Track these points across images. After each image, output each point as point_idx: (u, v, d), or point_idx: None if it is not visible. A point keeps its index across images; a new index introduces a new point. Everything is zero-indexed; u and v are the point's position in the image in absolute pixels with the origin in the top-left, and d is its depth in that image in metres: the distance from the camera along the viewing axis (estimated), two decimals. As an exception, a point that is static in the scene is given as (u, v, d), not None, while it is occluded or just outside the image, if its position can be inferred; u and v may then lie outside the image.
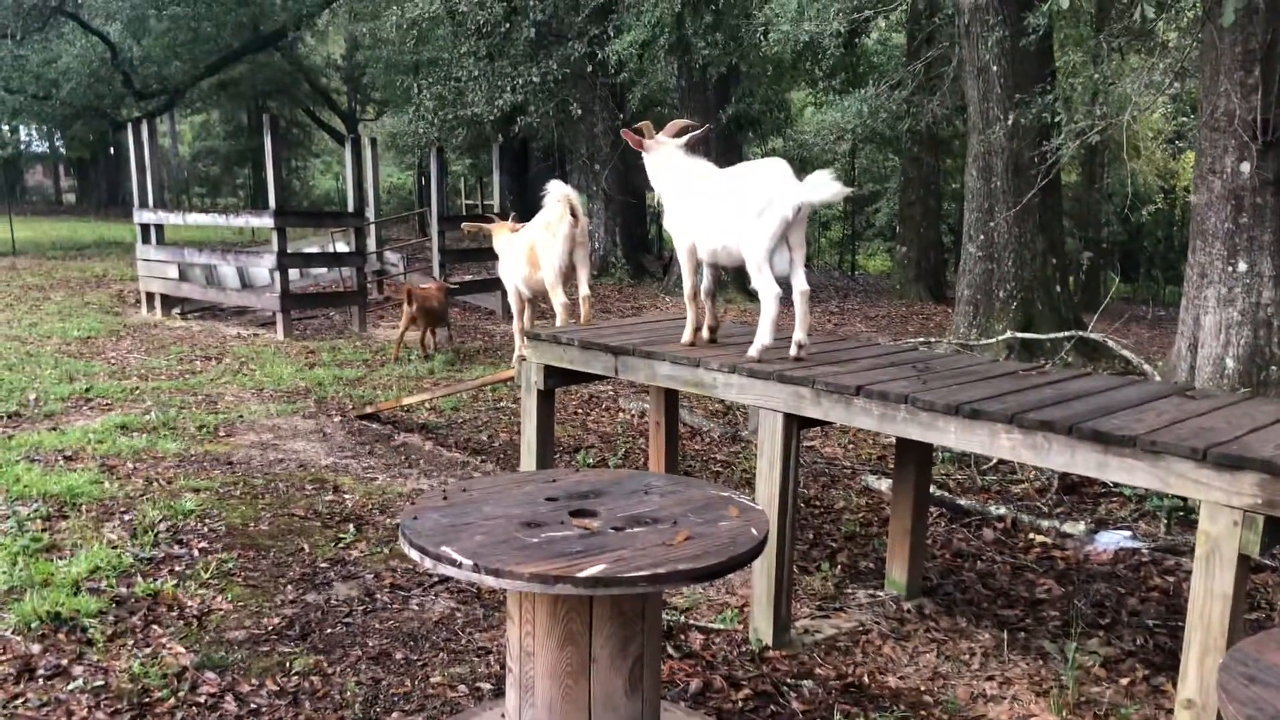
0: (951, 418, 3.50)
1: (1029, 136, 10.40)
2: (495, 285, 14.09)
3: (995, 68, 10.52)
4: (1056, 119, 9.43)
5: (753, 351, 4.25)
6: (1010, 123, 10.11)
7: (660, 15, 14.48)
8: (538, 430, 5.17)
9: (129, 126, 13.59)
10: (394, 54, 26.29)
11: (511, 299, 8.15)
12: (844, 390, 3.78)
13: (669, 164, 4.68)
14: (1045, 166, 9.68)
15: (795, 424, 4.01)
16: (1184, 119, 21.12)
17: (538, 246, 7.37)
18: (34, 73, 21.49)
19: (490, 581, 2.71)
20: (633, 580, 2.68)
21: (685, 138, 4.75)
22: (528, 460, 5.25)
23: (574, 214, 6.93)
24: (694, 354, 4.38)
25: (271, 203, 11.57)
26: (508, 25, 16.70)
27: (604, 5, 16.26)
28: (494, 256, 10.14)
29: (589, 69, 16.85)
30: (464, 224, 10.11)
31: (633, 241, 20.29)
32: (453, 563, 2.77)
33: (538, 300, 8.06)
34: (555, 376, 5.12)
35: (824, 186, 3.98)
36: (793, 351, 4.23)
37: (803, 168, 4.33)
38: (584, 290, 7.13)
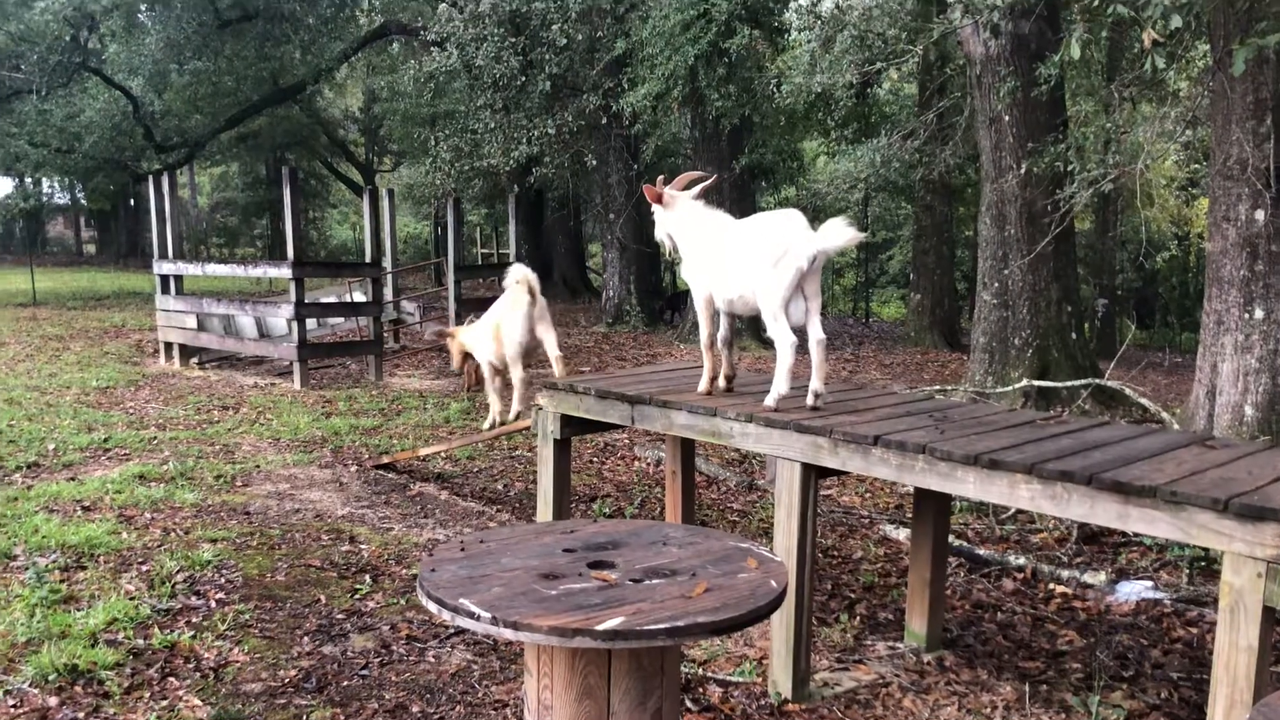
0: (970, 468, 3.49)
1: (1042, 185, 10.44)
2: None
3: (1007, 117, 10.59)
4: (1070, 167, 9.47)
5: (769, 400, 4.26)
6: (1023, 171, 10.16)
7: (674, 68, 14.65)
8: (554, 479, 5.17)
9: (150, 179, 13.78)
10: (411, 107, 26.69)
11: (486, 372, 8.46)
12: (861, 440, 3.77)
13: (686, 216, 4.72)
14: (1059, 215, 9.71)
15: (813, 473, 4.00)
16: (1196, 166, 21.18)
17: (501, 325, 7.90)
18: (57, 127, 21.84)
19: (508, 634, 2.70)
20: (651, 633, 2.67)
21: (697, 189, 4.80)
22: (544, 510, 5.25)
23: (532, 295, 7.55)
24: (711, 403, 4.38)
25: (290, 254, 11.68)
26: (523, 79, 16.92)
27: (618, 58, 16.46)
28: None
29: (604, 121, 17.03)
30: (427, 334, 10.59)
31: (647, 289, 20.37)
32: (471, 615, 2.76)
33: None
34: (572, 425, 5.13)
35: (839, 233, 4.04)
36: (810, 400, 4.24)
37: (816, 216, 4.37)
38: (555, 351, 7.71)
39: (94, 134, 22.27)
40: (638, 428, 4.75)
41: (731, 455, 8.72)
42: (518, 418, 7.90)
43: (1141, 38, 6.93)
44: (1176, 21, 6.59)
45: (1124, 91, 10.09)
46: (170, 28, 20.43)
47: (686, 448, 5.63)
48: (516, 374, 7.90)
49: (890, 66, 9.29)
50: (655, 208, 4.83)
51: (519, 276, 7.72)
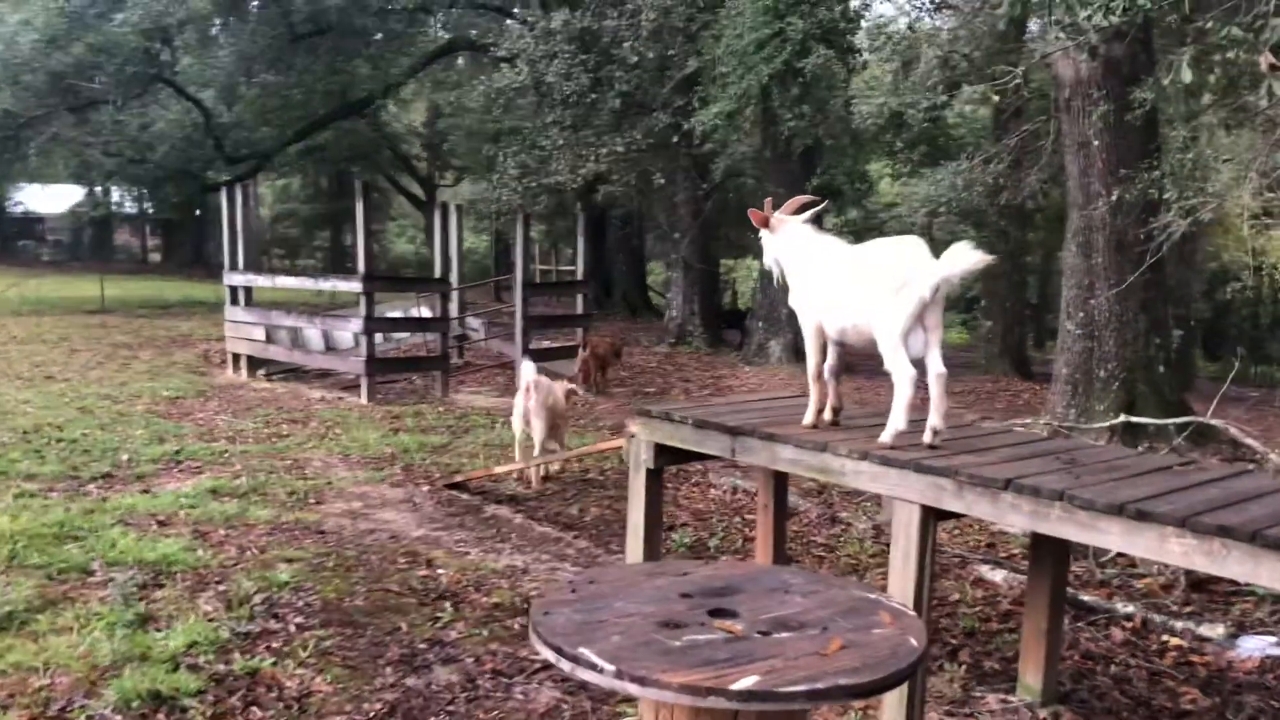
0: (1114, 518, 3.25)
1: (1132, 213, 10.10)
2: (575, 352, 14.04)
3: (1096, 142, 10.26)
4: (1165, 195, 9.13)
5: (885, 437, 4.05)
6: (1114, 199, 9.83)
7: (747, 87, 14.47)
8: (646, 511, 4.97)
9: (223, 190, 13.85)
10: (476, 122, 26.78)
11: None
12: (990, 483, 3.54)
13: (795, 241, 4.53)
14: (1154, 245, 9.36)
15: (932, 517, 3.78)
16: (1269, 194, 20.57)
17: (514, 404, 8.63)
18: (131, 137, 22.17)
19: (634, 690, 2.51)
20: (790, 695, 2.46)
21: (808, 214, 4.62)
22: (634, 542, 5.05)
23: (528, 390, 8.30)
24: (820, 438, 4.17)
25: (361, 268, 11.65)
26: (593, 96, 16.84)
27: (689, 77, 16.33)
28: (573, 323, 14.25)
29: (674, 139, 16.89)
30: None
31: (710, 310, 20.15)
32: (593, 667, 2.57)
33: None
34: (665, 455, 4.94)
35: (963, 258, 3.88)
36: (927, 438, 4.02)
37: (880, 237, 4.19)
38: (538, 436, 8.25)
39: (165, 144, 22.61)
40: (739, 461, 4.55)
41: (809, 485, 8.46)
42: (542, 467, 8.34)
43: (1257, 61, 6.63)
44: (1297, 45, 6.30)
45: (1220, 116, 9.73)
46: (244, 41, 20.67)
47: (779, 480, 5.40)
48: (517, 433, 8.49)
49: (988, 89, 8.98)
50: (763, 233, 4.66)
51: (526, 376, 8.55)
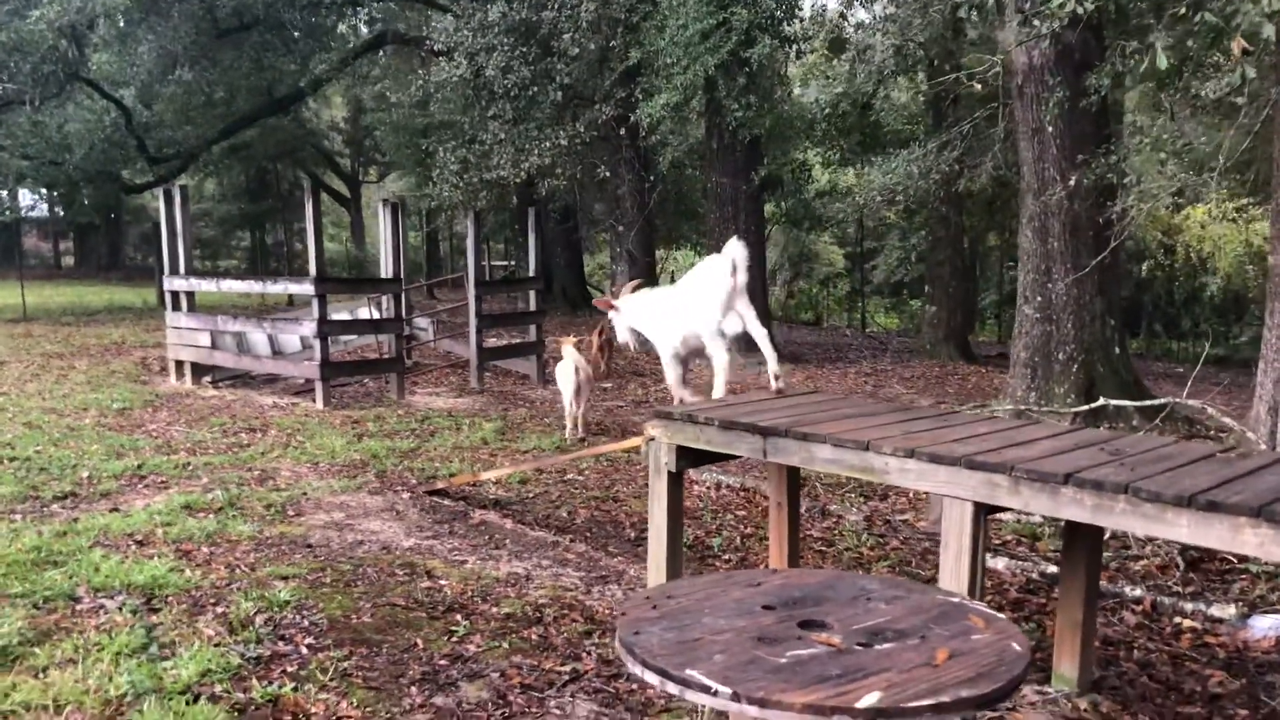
0: (1183, 510, 3.24)
1: (1089, 198, 10.26)
2: (530, 350, 13.89)
3: (1051, 129, 10.41)
4: (1125, 180, 9.29)
5: (715, 395, 5.85)
6: (1072, 183, 9.97)
7: (692, 78, 14.41)
8: (669, 515, 4.87)
9: (160, 192, 13.34)
10: (404, 117, 26.27)
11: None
12: (1049, 478, 3.51)
13: (637, 310, 6.59)
14: (1116, 229, 9.51)
15: (984, 514, 3.75)
16: (1184, 174, 21.10)
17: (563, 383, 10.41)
18: (48, 138, 21.31)
19: (753, 712, 2.42)
20: (916, 710, 2.40)
21: (641, 293, 6.75)
22: (657, 549, 4.95)
23: (577, 370, 10.13)
24: (860, 436, 4.11)
25: (313, 269, 11.32)
26: (534, 89, 16.63)
27: (631, 68, 16.21)
28: (524, 320, 14.65)
29: (621, 131, 16.75)
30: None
31: (655, 303, 20.11)
32: (705, 689, 2.48)
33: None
34: (687, 457, 4.85)
35: (733, 249, 5.64)
36: (773, 385, 5.54)
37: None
38: (577, 412, 10.17)
39: (84, 145, 21.73)
40: (771, 462, 4.48)
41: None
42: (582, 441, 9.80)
43: (1230, 47, 6.75)
44: (1269, 31, 6.42)
45: (1175, 100, 9.91)
46: (166, 38, 19.98)
47: (792, 478, 5.35)
48: (568, 409, 10.19)
49: (961, 78, 9.06)
50: (611, 314, 6.66)
51: (569, 360, 10.22)
